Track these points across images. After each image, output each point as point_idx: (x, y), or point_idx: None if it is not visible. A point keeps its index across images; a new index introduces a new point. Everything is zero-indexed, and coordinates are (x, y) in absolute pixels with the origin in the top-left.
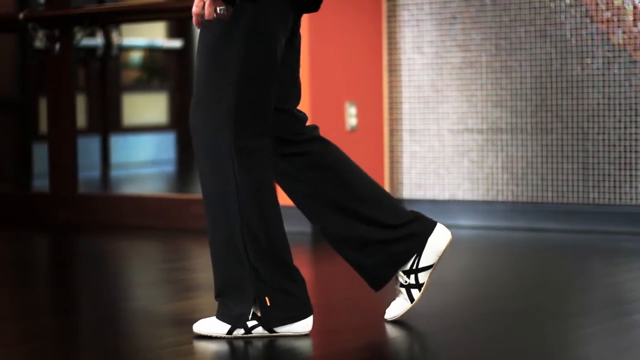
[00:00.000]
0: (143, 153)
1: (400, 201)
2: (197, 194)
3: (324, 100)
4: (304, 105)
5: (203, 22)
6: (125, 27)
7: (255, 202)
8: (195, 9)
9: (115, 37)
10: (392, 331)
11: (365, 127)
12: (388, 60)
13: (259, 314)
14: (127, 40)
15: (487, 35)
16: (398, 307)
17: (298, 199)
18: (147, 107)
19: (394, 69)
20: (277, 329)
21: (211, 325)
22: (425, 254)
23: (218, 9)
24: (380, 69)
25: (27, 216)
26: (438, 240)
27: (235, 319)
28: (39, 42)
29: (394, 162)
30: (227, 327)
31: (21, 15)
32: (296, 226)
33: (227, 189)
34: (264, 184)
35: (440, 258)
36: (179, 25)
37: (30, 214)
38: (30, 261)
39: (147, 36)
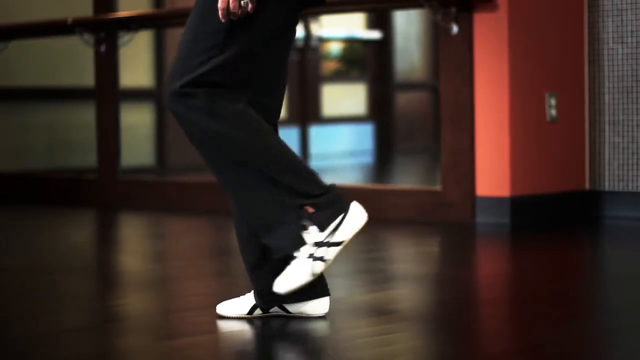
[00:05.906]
0: (341, 144)
1: (602, 194)
2: (394, 184)
3: (523, 91)
4: (504, 96)
5: (230, 16)
6: (325, 19)
7: (241, 140)
8: (220, 4)
9: (315, 29)
10: (587, 324)
11: (566, 118)
12: (589, 50)
13: (321, 240)
14: (327, 32)
15: None
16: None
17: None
18: (346, 97)
19: (595, 60)
20: (333, 228)
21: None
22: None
23: (242, 2)
24: (582, 60)
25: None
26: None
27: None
28: None
29: (595, 154)
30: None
31: None
32: (494, 217)
33: (210, 142)
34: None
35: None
36: (379, 17)
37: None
38: (227, 250)
39: (346, 27)
